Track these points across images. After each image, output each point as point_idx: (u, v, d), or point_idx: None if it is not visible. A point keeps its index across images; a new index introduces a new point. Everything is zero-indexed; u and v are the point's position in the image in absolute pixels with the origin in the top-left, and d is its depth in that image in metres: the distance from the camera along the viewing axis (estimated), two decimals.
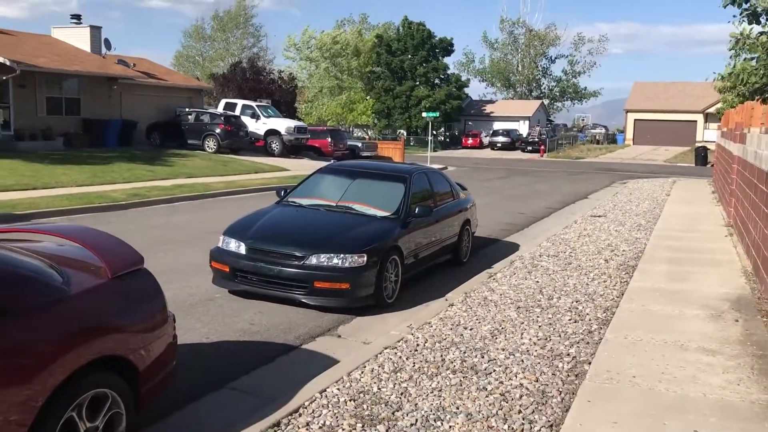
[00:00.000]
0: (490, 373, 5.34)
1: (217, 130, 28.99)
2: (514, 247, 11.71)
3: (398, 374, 5.31)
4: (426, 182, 9.44)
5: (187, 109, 30.79)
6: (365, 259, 7.30)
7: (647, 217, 15.41)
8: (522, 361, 5.64)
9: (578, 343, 6.14)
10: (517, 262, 9.87)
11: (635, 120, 64.34)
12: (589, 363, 5.56)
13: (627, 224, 14.14)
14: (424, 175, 9.53)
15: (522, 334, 6.37)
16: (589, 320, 6.89)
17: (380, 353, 5.79)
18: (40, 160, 20.95)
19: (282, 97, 42.59)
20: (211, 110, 32.09)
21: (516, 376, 5.30)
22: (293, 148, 31.85)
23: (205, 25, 72.41)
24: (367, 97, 59.19)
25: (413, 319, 6.97)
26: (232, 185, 20.17)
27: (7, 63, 22.81)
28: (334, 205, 8.54)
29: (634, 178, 28.50)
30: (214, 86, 42.36)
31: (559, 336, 6.34)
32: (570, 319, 6.89)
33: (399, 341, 6.13)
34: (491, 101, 73.57)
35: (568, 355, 5.80)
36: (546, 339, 6.23)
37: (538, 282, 8.56)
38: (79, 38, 30.11)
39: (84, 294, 3.81)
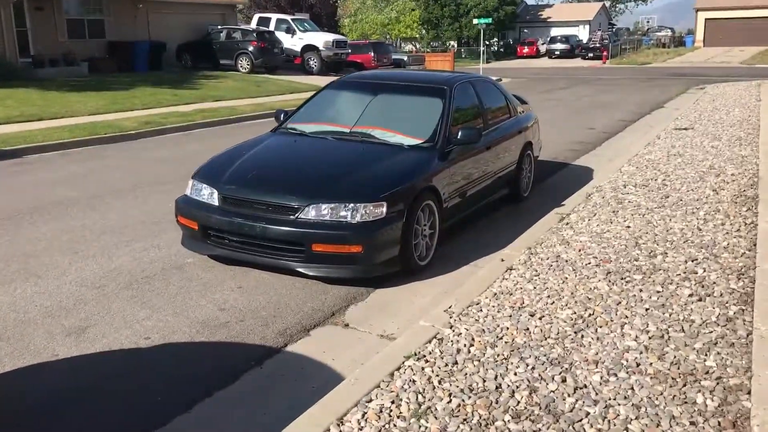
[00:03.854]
0: (580, 421, 3.15)
1: (250, 48, 26.69)
2: (587, 174, 9.33)
3: (422, 422, 3.18)
4: (473, 96, 7.08)
5: (218, 27, 28.43)
6: (384, 209, 5.11)
7: (744, 127, 12.69)
8: (632, 389, 3.40)
9: (716, 344, 3.87)
10: (596, 196, 7.53)
11: (706, 19, 58.98)
12: (749, 392, 3.32)
13: (723, 138, 11.50)
14: (470, 86, 7.14)
15: (622, 327, 4.12)
16: (721, 295, 4.59)
17: (400, 368, 3.66)
18: (57, 87, 19.15)
19: (322, 9, 39.72)
20: (243, 27, 29.68)
21: (627, 430, 3.10)
22: (333, 65, 29.30)
23: None
24: (413, 8, 55.47)
25: (455, 294, 4.79)
26: (260, 108, 18.02)
27: None
28: (348, 131, 6.30)
29: (711, 83, 25.18)
30: (250, 1, 39.71)
31: (682, 330, 4.06)
32: (691, 295, 4.59)
33: (431, 341, 3.99)
34: (548, 5, 68.78)
35: (707, 373, 3.54)
36: (663, 337, 3.97)
37: (629, 227, 6.24)
38: None
39: None
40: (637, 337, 3.95)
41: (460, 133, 6.12)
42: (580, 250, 5.61)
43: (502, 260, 5.49)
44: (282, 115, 6.92)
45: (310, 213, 5.07)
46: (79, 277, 5.34)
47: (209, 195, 5.44)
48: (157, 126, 14.29)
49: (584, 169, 9.74)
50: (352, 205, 5.06)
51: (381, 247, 5.12)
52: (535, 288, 4.80)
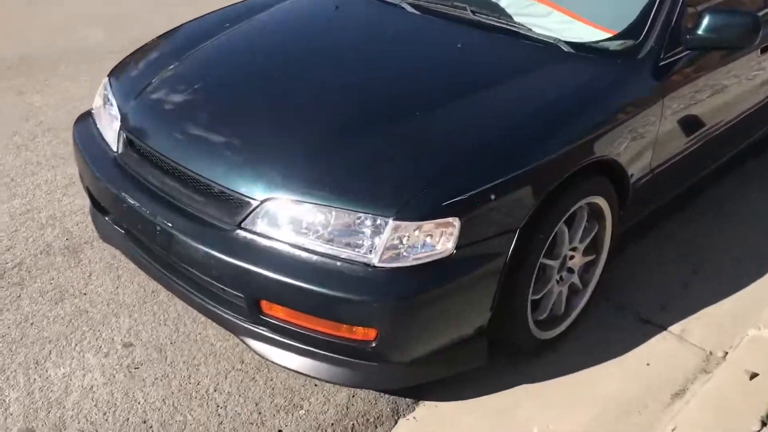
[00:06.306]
0: None
1: None
2: None
3: None
4: None
5: None
6: (451, 239, 1.94)
7: None
8: None
9: None
10: None
11: None
12: None
13: None
14: None
15: None
16: None
17: None
18: None
19: None
20: None
21: None
22: None
23: None
24: None
25: None
26: None
27: None
28: None
29: None
30: None
31: None
32: None
33: None
34: None
35: None
36: None
37: None
38: None
39: None
40: None
41: (706, 21, 2.57)
42: None
43: (750, 375, 2.20)
44: None
45: (273, 218, 2.05)
46: None
47: (116, 122, 2.56)
48: None
49: None
50: (371, 217, 1.96)
51: (427, 331, 2.04)
52: None
